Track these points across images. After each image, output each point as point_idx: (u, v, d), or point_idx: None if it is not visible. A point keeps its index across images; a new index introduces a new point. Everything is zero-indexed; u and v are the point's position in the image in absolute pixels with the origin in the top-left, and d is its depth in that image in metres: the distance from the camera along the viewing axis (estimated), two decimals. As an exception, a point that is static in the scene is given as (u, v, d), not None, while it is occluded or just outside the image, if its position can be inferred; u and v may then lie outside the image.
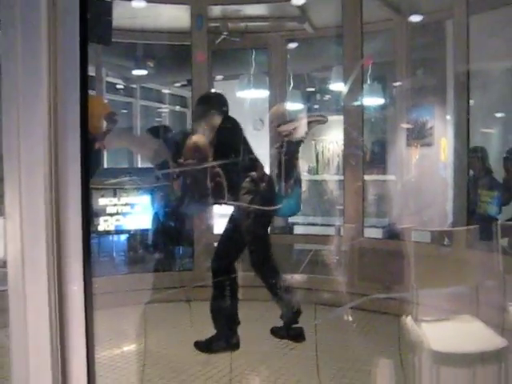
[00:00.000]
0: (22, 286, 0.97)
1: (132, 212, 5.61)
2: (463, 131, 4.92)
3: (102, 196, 5.45)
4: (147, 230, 5.68)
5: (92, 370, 1.00)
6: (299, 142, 3.97)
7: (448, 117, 5.94)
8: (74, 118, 1.01)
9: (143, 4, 5.67)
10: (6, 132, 1.01)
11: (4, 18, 1.05)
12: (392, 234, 5.91)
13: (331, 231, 6.45)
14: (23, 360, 0.99)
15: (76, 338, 0.99)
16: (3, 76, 1.05)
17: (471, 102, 5.01)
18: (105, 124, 5.87)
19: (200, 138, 3.52)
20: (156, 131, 6.74)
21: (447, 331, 2.77)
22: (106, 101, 6.45)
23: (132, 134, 9.78)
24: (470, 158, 5.09)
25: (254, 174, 3.87)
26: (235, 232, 3.94)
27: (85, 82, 1.03)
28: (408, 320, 2.86)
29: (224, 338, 3.89)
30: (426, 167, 6.09)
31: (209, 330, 4.04)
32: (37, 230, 0.97)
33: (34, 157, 0.98)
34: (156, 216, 3.61)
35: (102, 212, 5.46)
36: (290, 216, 5.65)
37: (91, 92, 6.06)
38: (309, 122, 3.97)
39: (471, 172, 5.29)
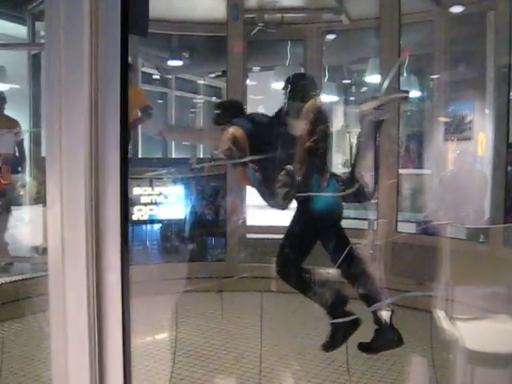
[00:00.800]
0: (62, 273, 0.99)
1: (166, 202, 5.66)
2: (503, 126, 4.81)
3: (138, 185, 5.51)
4: (180, 219, 5.73)
5: (128, 357, 1.01)
6: (380, 122, 3.62)
7: (487, 111, 5.81)
8: (114, 107, 1.02)
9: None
10: (47, 121, 1.03)
11: (48, 9, 1.07)
12: (427, 230, 5.82)
13: (364, 225, 6.40)
14: (62, 346, 1.01)
15: (113, 325, 1.00)
16: (46, 66, 1.07)
17: (512, 95, 4.89)
18: (139, 115, 5.93)
19: (238, 129, 3.39)
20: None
21: (482, 330, 2.72)
22: (143, 93, 6.49)
23: (194, 128, 9.88)
24: (510, 154, 4.97)
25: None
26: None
27: (125, 72, 1.04)
28: (442, 317, 2.82)
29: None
30: (464, 162, 5.97)
31: (239, 321, 4.05)
32: (76, 218, 0.98)
33: (74, 145, 1.00)
34: (192, 207, 3.55)
35: (137, 201, 5.53)
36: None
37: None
38: (391, 100, 3.76)
39: (510, 167, 5.16)
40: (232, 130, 3.35)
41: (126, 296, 0.99)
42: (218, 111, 3.91)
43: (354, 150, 3.74)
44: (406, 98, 3.95)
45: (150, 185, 5.58)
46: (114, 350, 1.03)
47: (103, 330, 1.00)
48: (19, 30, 6.85)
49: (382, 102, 3.52)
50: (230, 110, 3.75)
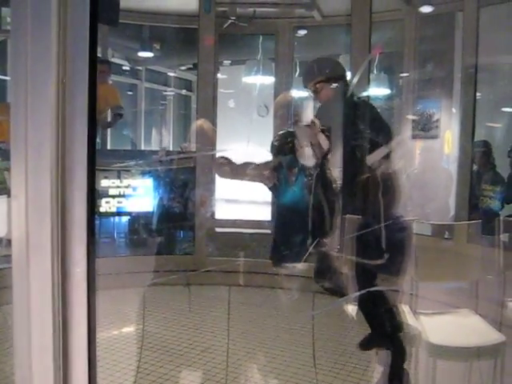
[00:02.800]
0: (26, 265, 0.97)
1: (134, 194, 5.61)
2: (469, 125, 4.90)
3: (106, 177, 5.45)
4: (148, 212, 5.68)
5: (93, 351, 1.01)
6: (395, 174, 3.17)
7: (454, 110, 5.92)
8: (82, 98, 1.00)
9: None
10: (13, 112, 1.01)
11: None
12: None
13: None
14: (25, 338, 0.99)
15: (78, 318, 0.99)
16: (12, 55, 1.05)
17: (478, 95, 4.98)
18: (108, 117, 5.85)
19: (204, 121, 3.27)
20: None
21: (445, 324, 2.78)
22: (118, 94, 6.35)
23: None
24: (475, 152, 5.08)
25: None
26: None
27: (93, 63, 1.02)
28: (406, 312, 2.87)
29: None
30: (431, 160, 6.07)
31: (206, 315, 4.05)
32: (42, 210, 0.97)
33: (40, 137, 0.98)
34: (161, 200, 3.44)
35: (105, 193, 5.46)
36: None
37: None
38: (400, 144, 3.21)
39: (475, 166, 5.28)
40: (199, 122, 3.26)
41: (91, 289, 0.98)
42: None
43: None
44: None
45: (119, 177, 5.51)
46: (79, 343, 1.02)
47: (68, 324, 0.99)
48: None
49: (391, 149, 3.05)
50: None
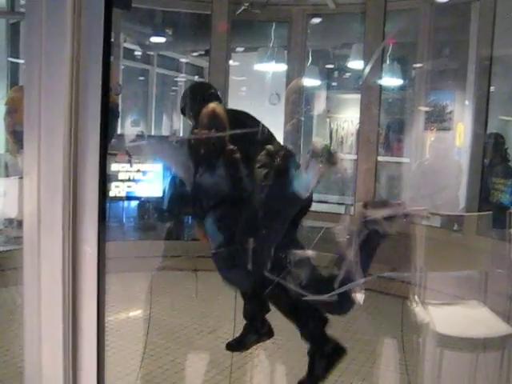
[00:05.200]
0: (37, 243, 0.98)
1: (144, 179, 5.62)
2: (482, 117, 4.86)
3: (116, 162, 5.46)
4: (158, 197, 5.69)
5: (101, 331, 1.01)
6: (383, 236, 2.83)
7: (467, 102, 5.87)
8: (95, 80, 1.00)
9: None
10: (27, 92, 1.01)
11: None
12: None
13: (341, 209, 6.45)
14: (35, 318, 1.00)
15: (88, 298, 1.00)
16: (26, 36, 1.05)
17: (492, 88, 4.93)
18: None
19: (217, 105, 3.21)
20: None
21: (453, 315, 2.77)
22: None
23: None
24: (487, 145, 5.04)
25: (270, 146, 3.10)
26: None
27: (108, 45, 1.02)
28: (414, 302, 2.87)
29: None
30: (444, 151, 6.03)
31: (213, 300, 4.06)
32: (54, 189, 0.97)
33: (53, 116, 0.98)
34: (172, 181, 3.33)
35: (114, 177, 5.47)
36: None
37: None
38: (405, 215, 2.78)
39: (487, 159, 5.24)
40: (212, 105, 3.18)
41: (101, 269, 0.98)
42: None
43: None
44: (425, 217, 3.01)
45: (129, 161, 5.52)
46: (88, 323, 1.02)
47: (77, 303, 0.99)
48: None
49: (395, 213, 2.70)
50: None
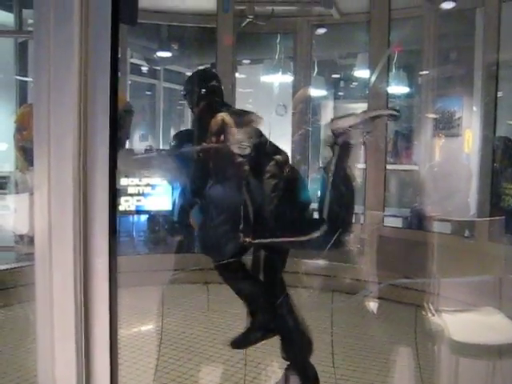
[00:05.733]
0: (49, 258, 0.98)
1: (153, 193, 5.63)
2: (490, 122, 4.84)
3: (125, 176, 5.48)
4: (168, 211, 5.70)
5: (114, 345, 1.01)
6: (349, 147, 2.92)
7: (475, 108, 5.85)
8: (104, 95, 1.01)
9: (170, -15, 5.65)
10: (36, 107, 1.02)
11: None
12: (414, 223, 5.87)
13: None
14: (48, 332, 1.00)
15: (100, 311, 1.00)
16: (34, 54, 1.06)
17: (499, 93, 4.91)
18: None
19: (226, 115, 3.19)
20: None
21: (468, 322, 2.75)
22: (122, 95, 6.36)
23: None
24: (496, 149, 5.01)
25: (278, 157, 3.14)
26: None
27: (115, 61, 1.03)
28: (428, 309, 2.84)
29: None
30: (453, 158, 6.01)
31: (225, 312, 4.05)
32: (64, 203, 0.97)
33: (62, 131, 0.99)
34: (182, 193, 3.29)
35: (124, 192, 5.49)
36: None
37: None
38: (372, 118, 2.90)
39: (497, 164, 5.20)
40: (221, 115, 3.17)
41: (113, 281, 0.98)
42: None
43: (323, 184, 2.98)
44: (394, 117, 3.09)
45: (138, 175, 5.54)
46: (101, 336, 1.02)
47: (90, 316, 0.99)
48: (6, 17, 6.76)
49: (362, 120, 2.85)
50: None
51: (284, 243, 3.06)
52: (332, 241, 2.89)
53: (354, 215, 3.14)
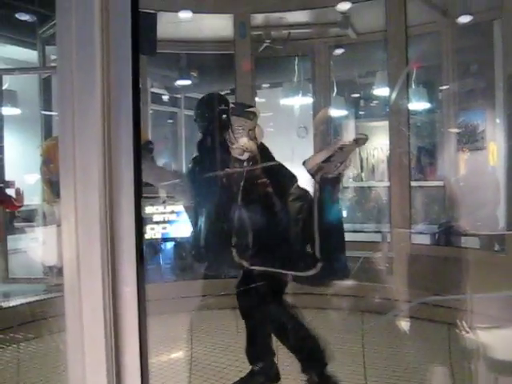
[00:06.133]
0: (78, 287, 0.99)
1: (178, 220, 5.67)
2: (513, 134, 4.79)
3: (151, 204, 5.53)
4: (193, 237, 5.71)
5: (145, 373, 1.01)
6: (336, 179, 2.95)
7: (498, 120, 5.79)
8: (127, 126, 1.03)
9: (189, 14, 5.75)
10: (61, 136, 1.04)
11: (60, 32, 1.08)
12: (442, 240, 5.79)
13: (378, 238, 6.37)
14: (79, 362, 1.01)
15: (130, 338, 1.00)
16: (58, 88, 1.08)
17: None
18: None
19: (248, 140, 3.22)
20: None
21: (504, 339, 2.67)
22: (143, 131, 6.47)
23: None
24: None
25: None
26: None
27: (137, 93, 1.05)
28: (462, 327, 2.78)
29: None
30: (478, 171, 5.94)
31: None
32: (91, 232, 0.99)
33: (88, 162, 1.00)
34: (207, 217, 3.30)
35: (149, 220, 5.54)
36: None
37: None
38: (340, 148, 2.92)
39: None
40: (244, 139, 3.20)
41: (142, 309, 0.99)
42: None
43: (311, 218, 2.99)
44: (363, 141, 3.07)
45: (163, 203, 5.59)
46: (132, 365, 1.02)
47: (120, 345, 0.99)
48: (30, 55, 6.95)
49: (332, 153, 2.90)
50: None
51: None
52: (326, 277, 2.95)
53: (344, 246, 3.10)
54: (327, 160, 2.89)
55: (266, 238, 3.04)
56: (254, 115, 3.28)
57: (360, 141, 3.05)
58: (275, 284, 3.16)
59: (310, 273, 2.97)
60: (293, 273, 3.08)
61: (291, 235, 3.07)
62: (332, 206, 2.99)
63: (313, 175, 2.96)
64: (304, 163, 3.03)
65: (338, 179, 2.96)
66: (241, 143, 3.12)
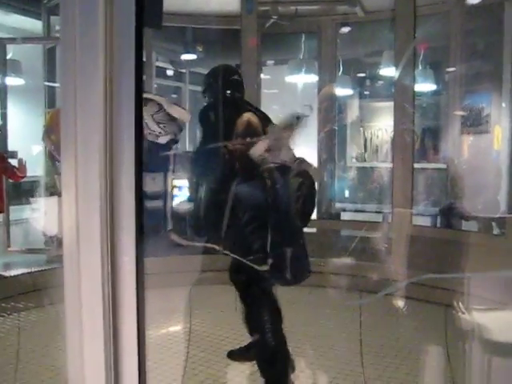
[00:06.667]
0: (77, 257, 1.00)
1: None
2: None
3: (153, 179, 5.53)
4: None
5: (142, 343, 1.02)
6: (282, 169, 2.91)
7: (504, 104, 5.75)
8: (128, 99, 1.02)
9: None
10: (63, 110, 1.04)
11: (63, 2, 1.08)
12: (442, 222, 5.81)
13: (379, 218, 6.38)
14: (77, 332, 1.02)
15: (128, 309, 1.01)
16: (61, 59, 1.08)
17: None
18: None
19: (252, 115, 3.19)
20: None
21: (500, 321, 2.69)
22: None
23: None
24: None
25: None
26: None
27: (140, 65, 1.04)
28: (459, 308, 2.80)
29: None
30: (481, 155, 5.93)
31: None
32: (91, 203, 0.99)
33: (89, 133, 1.01)
34: (209, 190, 3.25)
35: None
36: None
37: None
38: (282, 130, 2.95)
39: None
40: (247, 115, 3.16)
41: (140, 280, 1.00)
42: None
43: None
44: (297, 120, 3.01)
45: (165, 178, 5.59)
46: (129, 336, 1.03)
47: (118, 315, 1.01)
48: (34, 25, 6.90)
49: (272, 140, 2.91)
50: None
51: None
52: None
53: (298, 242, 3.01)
54: (268, 149, 2.88)
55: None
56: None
57: (299, 119, 3.03)
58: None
59: (263, 269, 2.84)
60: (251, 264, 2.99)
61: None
62: (282, 197, 2.91)
63: (259, 166, 2.91)
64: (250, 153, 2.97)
65: (284, 169, 2.91)
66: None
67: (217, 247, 3.02)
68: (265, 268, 2.83)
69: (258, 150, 2.93)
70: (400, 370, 3.49)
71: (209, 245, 3.11)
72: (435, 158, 8.04)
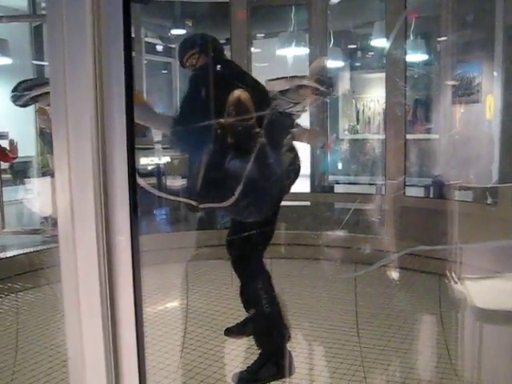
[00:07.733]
0: (72, 236, 1.00)
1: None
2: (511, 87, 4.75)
3: (145, 156, 5.52)
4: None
5: (140, 318, 1.03)
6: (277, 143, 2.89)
7: (495, 73, 5.73)
8: (118, 74, 1.01)
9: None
10: (52, 89, 1.03)
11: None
12: (435, 192, 5.84)
13: (372, 190, 6.41)
14: (75, 310, 1.03)
15: (124, 286, 1.02)
16: (48, 37, 1.06)
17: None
18: None
19: (243, 92, 3.14)
20: None
21: (492, 289, 2.73)
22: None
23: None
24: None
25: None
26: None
27: (128, 40, 1.03)
28: (451, 277, 2.84)
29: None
30: (473, 125, 5.93)
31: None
32: (85, 181, 0.99)
33: (80, 111, 1.00)
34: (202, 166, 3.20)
35: (143, 171, 5.54)
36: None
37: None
38: (298, 86, 2.90)
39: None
40: (238, 92, 3.12)
41: (136, 257, 1.00)
42: None
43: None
44: (324, 93, 2.94)
45: (157, 155, 5.59)
46: (126, 313, 1.04)
47: (114, 292, 1.01)
48: (20, 2, 6.79)
49: (289, 87, 2.83)
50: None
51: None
52: None
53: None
54: (283, 93, 2.81)
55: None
56: None
57: (322, 93, 2.95)
58: (260, 234, 3.14)
59: (226, 204, 2.86)
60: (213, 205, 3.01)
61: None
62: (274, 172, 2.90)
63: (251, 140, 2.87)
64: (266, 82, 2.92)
65: (276, 144, 2.83)
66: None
67: (193, 202, 2.99)
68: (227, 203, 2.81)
69: (272, 86, 2.87)
70: (395, 339, 3.54)
71: (185, 200, 3.08)
72: (427, 129, 8.04)
